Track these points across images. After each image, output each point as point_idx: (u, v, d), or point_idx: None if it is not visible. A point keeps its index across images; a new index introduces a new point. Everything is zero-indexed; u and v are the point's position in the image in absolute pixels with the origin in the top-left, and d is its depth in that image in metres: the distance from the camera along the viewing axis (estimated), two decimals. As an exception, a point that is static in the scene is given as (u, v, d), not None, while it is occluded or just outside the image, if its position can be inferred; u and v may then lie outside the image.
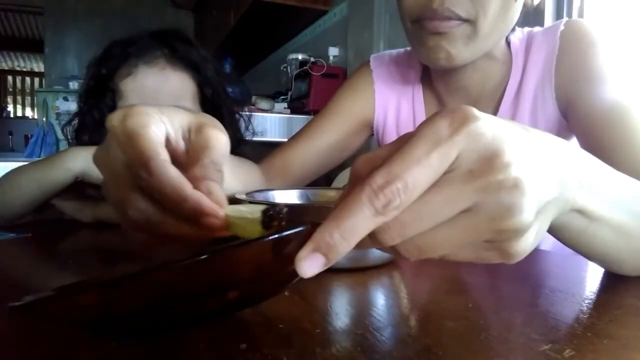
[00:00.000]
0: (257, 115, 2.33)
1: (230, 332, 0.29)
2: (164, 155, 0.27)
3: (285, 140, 0.82)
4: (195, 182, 0.27)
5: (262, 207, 0.26)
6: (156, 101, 0.77)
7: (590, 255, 0.39)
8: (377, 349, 0.27)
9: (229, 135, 0.32)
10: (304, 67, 2.36)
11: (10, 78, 7.29)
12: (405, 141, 0.22)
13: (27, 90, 7.34)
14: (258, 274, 0.24)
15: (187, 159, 0.29)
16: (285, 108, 2.50)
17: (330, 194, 0.59)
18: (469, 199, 0.22)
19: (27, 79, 7.38)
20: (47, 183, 0.70)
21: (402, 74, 0.78)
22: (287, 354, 0.26)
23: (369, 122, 0.80)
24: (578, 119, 0.61)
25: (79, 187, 0.77)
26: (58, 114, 3.61)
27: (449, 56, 0.59)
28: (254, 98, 2.41)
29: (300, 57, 2.50)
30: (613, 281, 0.42)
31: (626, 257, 0.38)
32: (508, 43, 0.68)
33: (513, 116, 0.67)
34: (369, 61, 0.82)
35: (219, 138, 0.30)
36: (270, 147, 0.83)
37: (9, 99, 7.18)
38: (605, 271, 0.44)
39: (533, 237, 0.24)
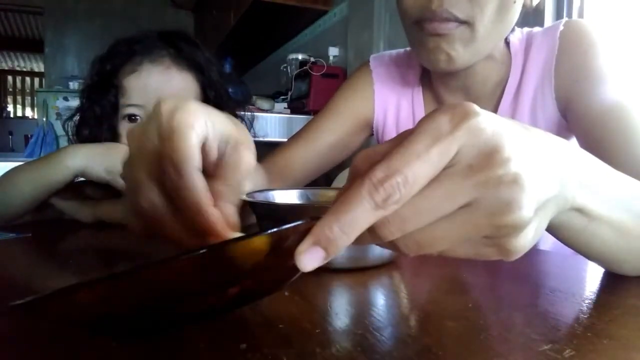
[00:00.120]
0: (257, 115, 2.33)
1: (230, 332, 0.29)
2: (197, 162, 0.27)
3: (285, 140, 0.83)
4: (216, 197, 0.27)
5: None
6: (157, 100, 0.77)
7: (590, 254, 0.39)
8: (377, 349, 0.27)
9: None
10: (304, 67, 2.36)
11: (10, 78, 7.29)
12: (405, 137, 0.22)
13: (27, 90, 7.34)
14: (258, 269, 0.24)
15: (215, 169, 0.30)
16: (285, 108, 2.50)
17: (330, 194, 0.59)
18: (469, 194, 0.22)
19: (27, 79, 7.37)
20: (46, 182, 0.70)
21: (402, 74, 0.78)
22: (287, 354, 0.26)
23: (369, 122, 0.80)
24: (577, 119, 0.61)
25: (78, 187, 0.77)
26: (58, 114, 3.61)
27: (449, 59, 0.59)
28: (253, 98, 2.41)
29: (300, 57, 2.50)
30: (613, 281, 0.42)
31: (626, 257, 0.38)
32: (507, 43, 0.68)
33: (512, 116, 0.67)
34: (369, 61, 0.82)
35: (250, 162, 0.30)
36: (270, 147, 0.83)
37: (9, 99, 7.18)
38: (605, 271, 0.44)
39: (532, 233, 0.24)
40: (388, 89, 0.79)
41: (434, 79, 0.74)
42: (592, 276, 0.44)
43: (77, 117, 0.86)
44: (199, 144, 0.28)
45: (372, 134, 0.83)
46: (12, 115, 6.76)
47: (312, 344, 0.27)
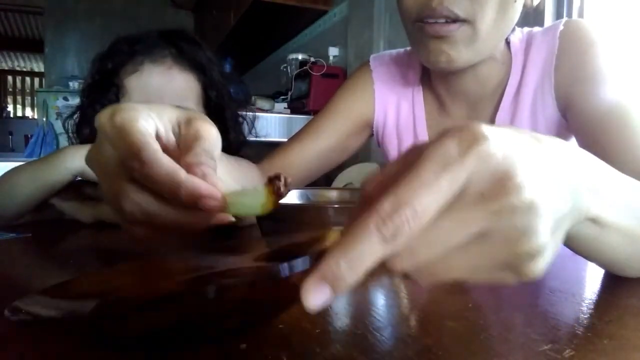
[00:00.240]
0: (258, 115, 2.33)
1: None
2: (155, 145, 0.27)
3: (285, 140, 0.82)
4: (189, 169, 0.26)
5: (256, 185, 0.26)
6: (160, 100, 0.77)
7: (597, 261, 0.38)
8: (377, 349, 0.27)
9: (232, 138, 0.32)
10: (304, 67, 2.36)
11: (10, 78, 7.29)
12: (413, 156, 0.22)
13: (27, 90, 7.34)
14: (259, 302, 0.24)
15: (178, 151, 0.29)
16: (285, 108, 2.50)
17: (330, 194, 0.59)
18: (482, 223, 0.21)
19: (27, 79, 7.37)
20: (45, 182, 0.70)
21: (402, 74, 0.78)
22: (287, 354, 0.26)
23: (369, 122, 0.80)
24: (577, 119, 0.61)
25: (78, 187, 0.77)
26: (58, 114, 3.61)
27: (449, 59, 0.59)
28: (253, 98, 2.41)
29: (300, 57, 2.51)
30: (613, 281, 0.42)
31: (632, 263, 0.38)
32: (508, 43, 0.68)
33: (513, 116, 0.67)
34: (369, 61, 0.82)
35: (209, 129, 0.30)
36: (270, 147, 0.83)
37: (9, 99, 7.18)
38: (605, 271, 0.44)
39: (550, 255, 0.23)
40: (388, 89, 0.79)
41: (434, 80, 0.73)
42: (592, 276, 0.44)
43: (77, 116, 0.86)
44: (151, 132, 0.28)
45: (372, 135, 0.83)
46: (12, 115, 6.75)
47: (312, 344, 0.27)
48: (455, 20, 0.56)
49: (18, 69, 7.38)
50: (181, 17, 4.19)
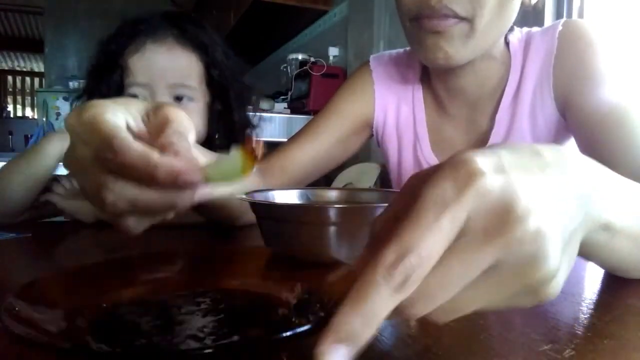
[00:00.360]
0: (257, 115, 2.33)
1: (231, 332, 0.29)
2: (125, 133, 0.27)
3: (285, 140, 0.82)
4: (162, 150, 0.27)
5: (233, 151, 0.27)
6: (163, 79, 0.79)
7: (605, 265, 0.38)
8: (377, 349, 0.27)
9: (235, 118, 0.31)
10: (304, 67, 2.36)
11: (10, 78, 7.29)
12: (416, 189, 0.21)
13: (27, 90, 7.34)
14: None
15: (150, 138, 0.29)
16: (285, 108, 2.50)
17: (330, 194, 0.59)
18: (490, 258, 0.20)
19: (27, 79, 7.37)
20: (33, 173, 0.72)
21: (402, 75, 0.78)
22: (287, 354, 0.26)
23: (369, 122, 0.80)
24: (576, 119, 0.61)
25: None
26: (58, 114, 3.61)
27: (447, 56, 0.59)
28: (254, 98, 2.40)
29: (300, 57, 2.51)
30: (613, 281, 0.42)
31: (637, 266, 0.38)
32: (507, 43, 0.68)
33: (512, 116, 0.67)
34: (369, 61, 0.82)
35: (177, 113, 0.30)
36: (270, 147, 0.83)
37: (9, 99, 7.18)
38: (605, 271, 0.44)
39: (564, 274, 0.23)
40: (388, 89, 0.79)
41: (433, 79, 0.73)
42: (592, 276, 0.44)
43: (84, 98, 0.88)
44: (120, 123, 0.28)
45: (372, 135, 0.83)
46: (12, 115, 6.75)
47: (313, 344, 0.27)
48: (454, 17, 0.56)
49: (18, 69, 7.37)
50: (181, 17, 4.19)
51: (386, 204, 0.49)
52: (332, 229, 0.42)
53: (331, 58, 2.45)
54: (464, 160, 0.21)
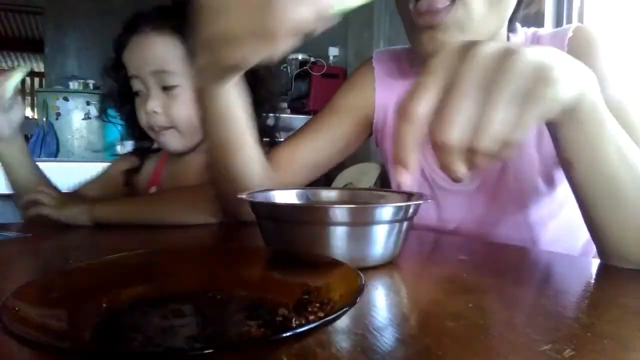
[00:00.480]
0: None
1: (230, 332, 0.29)
2: None
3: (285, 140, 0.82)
4: None
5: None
6: (144, 68, 0.83)
7: (592, 182, 0.43)
8: (377, 349, 0.27)
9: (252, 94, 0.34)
10: (304, 67, 2.36)
11: (10, 78, 7.29)
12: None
13: (27, 90, 7.33)
14: None
15: None
16: (285, 108, 2.50)
17: (330, 194, 0.59)
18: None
19: (27, 79, 7.36)
20: None
21: (404, 73, 0.78)
22: (287, 354, 0.26)
23: (369, 120, 0.80)
24: None
25: (71, 195, 0.78)
26: (58, 114, 3.61)
27: (444, 46, 0.58)
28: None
29: (300, 57, 2.50)
30: (613, 281, 0.42)
31: (629, 196, 0.42)
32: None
33: None
34: (371, 58, 0.81)
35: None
36: (270, 147, 0.83)
37: (9, 99, 7.17)
38: (604, 271, 0.44)
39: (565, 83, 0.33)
40: (389, 88, 0.78)
41: None
42: (593, 277, 0.44)
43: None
44: None
45: (372, 133, 0.82)
46: (12, 115, 6.75)
47: (312, 344, 0.27)
48: (446, 5, 0.55)
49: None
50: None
51: (386, 204, 0.49)
52: (332, 229, 0.42)
53: (331, 58, 2.45)
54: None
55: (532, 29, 0.69)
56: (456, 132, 0.30)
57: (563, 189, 0.66)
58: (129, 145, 1.11)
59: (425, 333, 0.29)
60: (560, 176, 0.66)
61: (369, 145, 0.85)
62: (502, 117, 0.30)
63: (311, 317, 0.27)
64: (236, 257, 0.37)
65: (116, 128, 1.10)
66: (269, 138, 0.91)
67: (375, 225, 0.43)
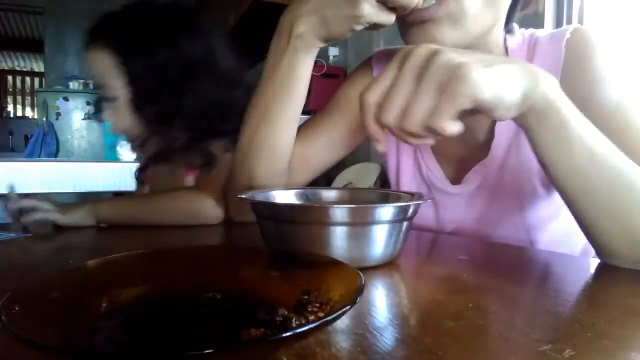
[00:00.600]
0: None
1: (230, 332, 0.29)
2: None
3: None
4: None
5: None
6: (95, 80, 0.88)
7: (570, 182, 0.45)
8: (377, 349, 0.27)
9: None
10: (304, 67, 2.36)
11: (10, 78, 7.29)
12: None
13: (27, 90, 7.34)
14: None
15: None
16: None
17: (330, 194, 0.59)
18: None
19: (27, 79, 7.37)
20: None
21: None
22: (287, 354, 0.26)
23: None
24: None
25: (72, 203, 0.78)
26: (58, 114, 3.61)
27: (436, 40, 0.56)
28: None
29: (300, 57, 2.50)
30: (613, 282, 0.42)
31: (603, 195, 0.44)
32: (506, 48, 0.67)
33: (517, 130, 0.66)
34: (371, 58, 0.81)
35: None
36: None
37: (9, 99, 7.18)
38: (604, 271, 0.44)
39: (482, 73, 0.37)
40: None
41: None
42: (592, 277, 0.44)
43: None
44: None
45: None
46: (12, 115, 6.75)
47: (312, 344, 0.27)
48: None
49: (18, 69, 7.37)
50: (181, 17, 4.19)
51: (386, 204, 0.49)
52: (332, 229, 0.42)
53: (331, 58, 2.46)
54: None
55: (530, 30, 0.69)
56: (390, 116, 0.39)
57: None
58: (128, 146, 1.11)
59: (425, 333, 0.29)
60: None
61: (368, 145, 0.85)
62: (422, 107, 0.37)
63: (311, 317, 0.27)
64: (236, 257, 0.37)
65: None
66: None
67: (375, 225, 0.43)
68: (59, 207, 0.75)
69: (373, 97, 0.40)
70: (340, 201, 0.58)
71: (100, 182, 1.85)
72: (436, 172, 0.73)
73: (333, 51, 2.46)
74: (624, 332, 0.30)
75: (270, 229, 0.47)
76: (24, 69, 7.41)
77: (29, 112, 7.15)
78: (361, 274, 0.28)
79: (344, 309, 0.23)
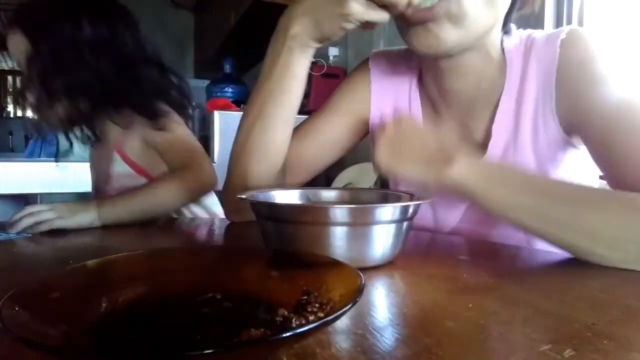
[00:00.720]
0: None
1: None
2: None
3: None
4: None
5: None
6: (15, 60, 0.95)
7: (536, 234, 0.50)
8: (377, 349, 0.27)
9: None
10: (304, 67, 2.36)
11: (10, 78, 7.28)
12: None
13: (27, 90, 7.34)
14: None
15: None
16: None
17: (330, 194, 0.59)
18: None
19: (27, 79, 7.37)
20: None
21: (400, 75, 0.78)
22: (287, 354, 0.26)
23: (365, 121, 0.80)
24: (586, 124, 0.59)
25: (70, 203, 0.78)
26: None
27: (438, 40, 0.57)
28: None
29: (300, 57, 2.50)
30: (613, 281, 0.42)
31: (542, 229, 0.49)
32: (502, 48, 0.67)
33: (514, 131, 0.65)
34: (369, 59, 0.81)
35: None
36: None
37: (9, 99, 7.18)
38: (604, 272, 0.44)
39: None
40: (385, 89, 0.78)
41: (426, 81, 0.73)
42: (592, 276, 0.44)
43: None
44: None
45: (368, 133, 0.82)
46: (12, 115, 6.75)
47: (312, 344, 0.27)
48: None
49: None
50: (181, 17, 4.19)
51: (386, 204, 0.49)
52: (332, 229, 0.42)
53: (331, 58, 2.45)
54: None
55: (528, 31, 0.69)
56: None
57: None
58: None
59: (425, 333, 0.29)
60: (556, 178, 0.66)
61: (369, 145, 0.85)
62: None
63: (311, 317, 0.27)
64: (236, 257, 0.37)
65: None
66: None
67: (375, 225, 0.43)
68: (68, 209, 0.75)
69: None
70: (340, 201, 0.58)
71: (100, 182, 1.85)
72: None
73: (333, 51, 2.46)
74: (624, 332, 0.30)
75: (270, 229, 0.47)
76: (24, 69, 7.41)
77: (29, 112, 7.15)
78: (361, 274, 0.28)
79: (344, 309, 0.23)
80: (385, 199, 0.56)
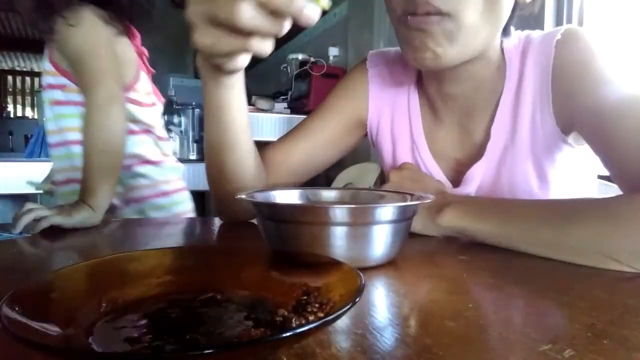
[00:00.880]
0: (258, 115, 2.33)
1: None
2: None
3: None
4: None
5: None
6: None
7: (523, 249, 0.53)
8: (377, 349, 0.27)
9: None
10: (304, 67, 2.37)
11: (10, 78, 7.29)
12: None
13: (27, 90, 7.34)
14: None
15: None
16: (285, 108, 2.50)
17: (330, 194, 0.59)
18: None
19: (27, 79, 7.37)
20: None
21: (398, 75, 0.77)
22: (287, 354, 0.26)
23: (363, 122, 0.80)
24: (584, 121, 0.59)
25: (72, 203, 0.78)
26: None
27: (435, 56, 0.57)
28: (253, 98, 2.41)
29: (300, 57, 2.51)
30: (613, 281, 0.42)
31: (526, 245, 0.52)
32: (502, 49, 0.67)
33: (512, 131, 0.66)
34: (366, 60, 0.81)
35: None
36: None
37: (9, 99, 7.18)
38: (604, 272, 0.44)
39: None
40: (383, 90, 0.78)
41: (425, 83, 0.73)
42: (592, 276, 0.44)
43: None
44: None
45: (367, 134, 0.82)
46: (12, 115, 6.75)
47: (312, 344, 0.27)
48: (438, 13, 0.54)
49: (18, 69, 7.37)
50: (181, 17, 4.19)
51: (386, 204, 0.49)
52: (332, 229, 0.42)
53: (331, 58, 2.46)
54: None
55: (526, 32, 0.69)
56: None
57: (557, 191, 0.66)
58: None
59: (425, 333, 0.29)
60: (554, 177, 0.66)
61: (368, 145, 0.85)
62: None
63: (311, 317, 0.27)
64: (236, 257, 0.37)
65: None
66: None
67: (375, 225, 0.43)
68: (67, 207, 0.75)
69: None
70: (340, 201, 0.58)
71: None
72: (436, 174, 0.73)
73: (333, 51, 2.47)
74: (624, 332, 0.30)
75: (270, 229, 0.47)
76: (24, 69, 7.41)
77: (29, 112, 7.15)
78: (361, 274, 0.28)
79: (344, 309, 0.23)
80: (385, 199, 0.56)
